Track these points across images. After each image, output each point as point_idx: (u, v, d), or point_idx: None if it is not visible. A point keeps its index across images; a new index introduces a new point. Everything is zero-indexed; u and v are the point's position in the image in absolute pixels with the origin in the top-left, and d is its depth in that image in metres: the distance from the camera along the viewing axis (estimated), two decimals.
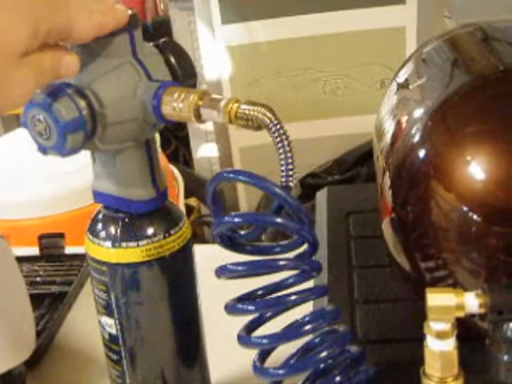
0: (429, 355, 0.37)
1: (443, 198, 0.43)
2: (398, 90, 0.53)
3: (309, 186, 1.25)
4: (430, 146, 0.45)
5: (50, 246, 0.81)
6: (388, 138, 0.49)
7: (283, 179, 0.42)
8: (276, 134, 0.42)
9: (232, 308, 0.43)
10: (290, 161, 0.42)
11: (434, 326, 0.36)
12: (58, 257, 0.80)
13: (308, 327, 0.43)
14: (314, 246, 0.43)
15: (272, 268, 0.43)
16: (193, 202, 1.47)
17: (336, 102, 1.37)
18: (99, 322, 0.53)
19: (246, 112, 0.42)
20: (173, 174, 1.20)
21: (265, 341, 0.43)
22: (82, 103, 0.43)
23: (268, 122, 0.42)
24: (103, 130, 0.44)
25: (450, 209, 0.43)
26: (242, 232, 0.44)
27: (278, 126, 0.42)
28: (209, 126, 1.49)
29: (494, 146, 0.42)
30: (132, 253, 0.49)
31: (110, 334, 0.53)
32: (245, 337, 0.44)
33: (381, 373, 0.45)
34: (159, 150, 1.38)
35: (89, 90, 0.43)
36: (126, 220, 0.50)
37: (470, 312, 0.35)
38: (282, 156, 0.42)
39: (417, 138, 0.45)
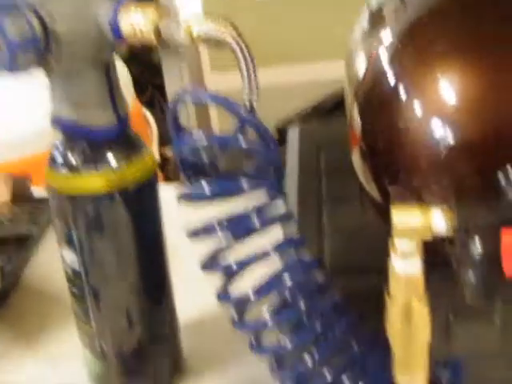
0: (393, 275, 0.36)
1: (412, 120, 0.41)
2: (368, 16, 0.51)
3: (286, 133, 1.23)
4: (399, 67, 0.43)
5: (17, 189, 0.80)
6: (356, 65, 0.48)
7: (247, 100, 0.40)
8: (239, 54, 0.40)
9: (206, 266, 0.42)
10: (253, 81, 0.40)
11: (400, 244, 0.35)
12: (24, 199, 0.79)
13: (284, 280, 0.42)
14: (280, 169, 0.42)
15: (236, 188, 0.41)
16: (168, 151, 1.45)
17: (314, 46, 1.35)
18: (61, 256, 0.52)
19: (208, 30, 0.40)
20: (145, 118, 1.18)
21: (228, 266, 0.42)
22: (34, 19, 0.41)
23: (230, 40, 0.40)
24: (57, 48, 0.42)
25: (420, 130, 0.41)
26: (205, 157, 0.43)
27: (241, 45, 0.40)
28: (185, 73, 1.46)
29: (464, 64, 0.40)
30: (92, 182, 0.48)
31: (72, 269, 0.51)
32: (222, 295, 0.42)
33: (347, 300, 0.44)
34: (134, 95, 1.35)
35: (40, 6, 0.41)
36: (86, 148, 0.48)
37: (438, 231, 0.34)
38: (246, 76, 0.40)
39: (386, 61, 0.44)
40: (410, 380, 0.39)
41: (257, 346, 0.44)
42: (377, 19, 0.51)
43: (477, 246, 0.34)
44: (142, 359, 0.56)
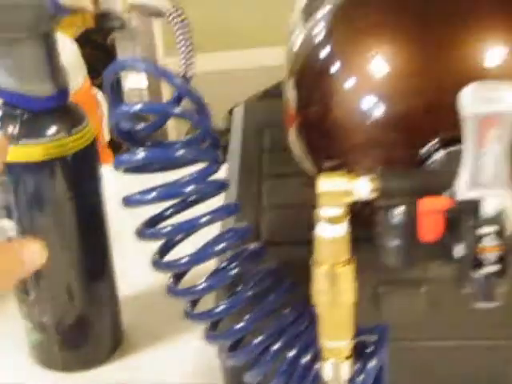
0: (320, 241, 0.37)
1: (346, 94, 0.43)
2: None
3: None
4: (333, 42, 0.44)
5: None
6: (292, 43, 0.49)
7: (182, 69, 0.41)
8: (175, 22, 0.41)
9: (142, 233, 0.43)
10: (189, 50, 0.41)
11: (326, 211, 0.36)
12: None
13: (219, 247, 0.43)
14: (216, 138, 0.43)
15: (170, 154, 0.41)
16: None
17: (266, 32, 1.36)
18: (1, 226, 0.52)
19: None
20: (96, 98, 1.17)
21: (177, 263, 0.42)
22: None
23: (166, 8, 0.40)
24: None
25: (349, 104, 0.42)
26: (141, 125, 0.43)
27: (177, 13, 0.41)
28: (138, 57, 1.46)
29: (392, 41, 0.42)
30: (31, 151, 0.48)
31: (10, 239, 0.52)
32: (158, 261, 0.43)
33: (280, 269, 0.45)
34: (87, 76, 1.34)
35: None
36: (26, 117, 0.48)
37: (361, 196, 0.35)
38: (182, 45, 0.41)
39: (320, 37, 0.45)
40: (335, 344, 0.40)
41: (191, 313, 0.45)
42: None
43: (396, 212, 0.36)
44: (82, 332, 0.57)
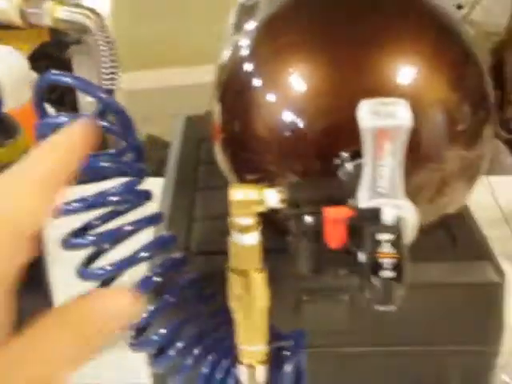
0: (234, 249, 0.38)
1: (264, 108, 0.45)
2: (237, 11, 0.54)
3: None
4: (257, 57, 0.46)
5: None
6: (220, 56, 0.50)
7: (106, 82, 0.42)
8: (99, 37, 0.42)
9: (67, 243, 0.43)
10: (112, 63, 0.42)
11: (238, 220, 0.38)
12: None
13: (144, 254, 0.44)
14: (140, 152, 0.44)
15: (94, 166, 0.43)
16: None
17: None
18: None
19: (69, 14, 0.42)
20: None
21: (101, 272, 0.43)
22: None
23: (91, 24, 0.42)
24: None
25: (271, 118, 0.44)
26: None
27: (102, 29, 0.42)
28: (94, 71, 1.47)
29: (310, 59, 0.44)
30: None
31: None
32: (82, 270, 0.44)
33: (203, 278, 0.46)
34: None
35: None
36: None
37: (270, 206, 0.37)
38: (105, 59, 0.42)
39: (244, 52, 0.47)
40: (251, 349, 0.41)
41: None
42: (240, 15, 0.53)
43: (304, 221, 0.37)
44: None
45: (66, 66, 1.70)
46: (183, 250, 0.51)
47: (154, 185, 0.48)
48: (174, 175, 0.62)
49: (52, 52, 1.81)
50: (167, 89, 1.43)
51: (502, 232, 0.78)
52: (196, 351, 0.44)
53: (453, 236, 0.54)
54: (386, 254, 0.35)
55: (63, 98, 1.70)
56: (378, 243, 0.35)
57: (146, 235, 0.48)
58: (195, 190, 0.60)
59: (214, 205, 0.58)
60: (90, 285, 0.46)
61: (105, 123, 0.42)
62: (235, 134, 0.47)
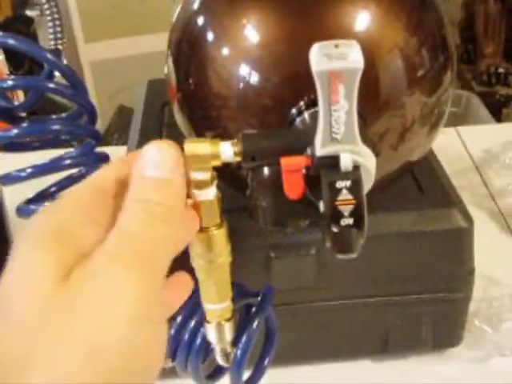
0: (192, 207, 0.37)
1: (219, 62, 0.43)
2: None
3: None
4: (208, 11, 0.45)
5: None
6: (172, 18, 0.49)
7: (52, 42, 0.41)
8: (44, 1, 0.41)
9: (24, 210, 0.42)
10: (57, 23, 0.41)
11: (194, 176, 0.36)
12: None
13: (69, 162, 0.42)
14: (92, 114, 0.43)
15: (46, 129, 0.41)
16: None
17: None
18: None
19: None
20: None
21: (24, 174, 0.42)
22: None
23: None
24: None
25: (226, 71, 0.43)
26: (18, 102, 0.43)
27: None
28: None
29: (262, 8, 0.42)
30: None
31: None
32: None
33: None
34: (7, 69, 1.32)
35: None
36: None
37: (226, 159, 0.36)
38: (50, 19, 0.41)
39: (195, 6, 0.45)
40: (216, 307, 0.41)
41: None
42: None
43: (261, 172, 0.36)
44: None
45: (34, 41, 1.66)
46: None
47: (118, 153, 0.47)
48: (137, 139, 0.61)
49: (19, 27, 1.78)
50: (141, 56, 1.41)
51: (472, 180, 0.78)
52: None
53: (420, 185, 0.53)
54: (345, 201, 0.34)
55: (32, 73, 1.68)
56: (336, 191, 0.34)
57: None
58: None
59: None
60: None
61: (52, 85, 0.40)
62: (191, 92, 0.46)
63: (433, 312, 0.53)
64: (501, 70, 2.06)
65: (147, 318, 0.28)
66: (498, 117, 1.86)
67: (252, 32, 0.43)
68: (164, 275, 0.30)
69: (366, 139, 0.36)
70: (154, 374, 0.29)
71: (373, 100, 0.43)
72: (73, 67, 1.32)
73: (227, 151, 0.36)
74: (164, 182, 0.31)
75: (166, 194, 0.31)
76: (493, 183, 0.78)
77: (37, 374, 0.25)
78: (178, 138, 0.60)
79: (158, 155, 0.32)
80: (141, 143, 0.60)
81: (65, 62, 0.45)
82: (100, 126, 1.41)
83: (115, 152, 0.46)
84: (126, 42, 1.47)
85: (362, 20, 0.42)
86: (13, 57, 1.47)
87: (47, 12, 0.40)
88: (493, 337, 0.57)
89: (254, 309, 0.43)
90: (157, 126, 0.63)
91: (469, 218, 0.51)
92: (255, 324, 0.42)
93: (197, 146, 0.36)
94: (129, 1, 1.41)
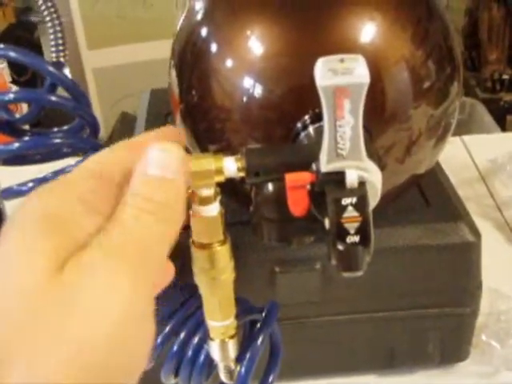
0: (193, 222, 0.37)
1: (223, 74, 0.43)
2: None
3: None
4: (212, 21, 0.44)
5: None
6: (176, 23, 0.49)
7: (54, 55, 0.41)
8: (46, 12, 0.40)
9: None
10: (60, 36, 0.41)
11: (197, 192, 0.36)
12: None
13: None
14: (94, 126, 0.42)
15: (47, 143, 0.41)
16: None
17: None
18: None
19: None
20: None
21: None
22: None
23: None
24: None
25: (230, 84, 0.43)
26: (19, 115, 0.43)
27: (48, 4, 0.40)
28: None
29: (268, 21, 0.42)
30: None
31: None
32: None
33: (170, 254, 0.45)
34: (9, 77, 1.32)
35: None
36: None
37: (229, 175, 0.35)
38: (52, 31, 0.40)
39: (199, 16, 0.45)
40: (220, 324, 0.40)
41: None
42: None
43: (265, 188, 0.36)
44: None
45: (36, 47, 1.67)
46: None
47: None
48: None
49: (22, 33, 1.78)
50: (145, 64, 1.40)
51: (478, 191, 0.77)
52: (165, 329, 0.43)
53: (426, 198, 0.53)
54: (350, 218, 0.34)
55: (35, 80, 1.68)
56: (341, 208, 0.34)
57: None
58: None
59: None
60: None
61: (54, 98, 0.40)
62: (194, 104, 0.45)
63: (439, 327, 0.52)
64: (505, 77, 2.05)
65: (137, 316, 0.27)
66: (502, 124, 1.86)
67: (256, 44, 0.42)
68: (157, 274, 0.30)
69: (372, 154, 0.35)
70: (137, 372, 0.28)
71: (379, 113, 0.42)
72: (76, 74, 1.32)
73: (231, 167, 0.35)
74: (166, 181, 0.31)
75: (168, 194, 0.31)
76: (499, 194, 0.78)
77: (17, 374, 0.24)
78: None
79: (162, 155, 0.31)
80: None
81: (68, 70, 0.44)
82: (103, 132, 1.40)
83: None
84: (129, 49, 1.46)
85: (368, 32, 0.42)
86: (16, 63, 1.47)
87: (49, 24, 0.40)
88: (500, 352, 0.56)
89: (258, 325, 0.43)
90: None
91: (476, 232, 0.50)
92: (259, 341, 0.42)
93: (200, 162, 0.36)
94: (132, 8, 1.40)
